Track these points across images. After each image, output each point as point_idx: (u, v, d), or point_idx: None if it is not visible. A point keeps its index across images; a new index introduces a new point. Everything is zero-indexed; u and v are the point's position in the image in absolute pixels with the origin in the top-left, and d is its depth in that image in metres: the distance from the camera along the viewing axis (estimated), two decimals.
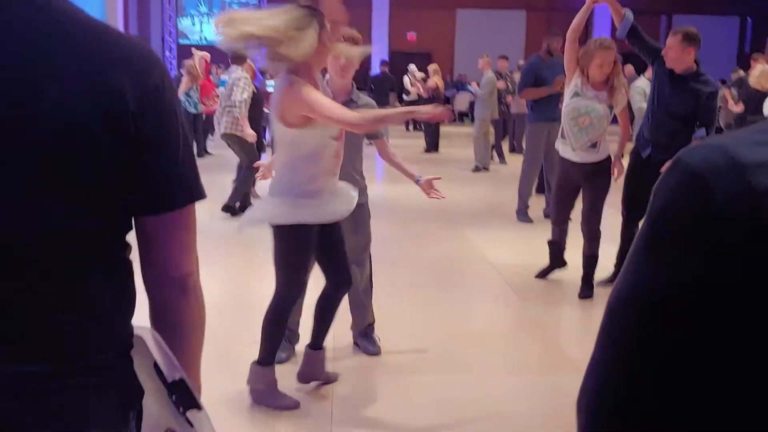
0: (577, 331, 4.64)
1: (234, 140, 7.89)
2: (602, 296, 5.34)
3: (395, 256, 6.35)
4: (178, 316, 1.23)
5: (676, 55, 5.05)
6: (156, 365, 1.21)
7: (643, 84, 8.34)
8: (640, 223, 0.92)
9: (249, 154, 7.84)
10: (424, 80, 15.43)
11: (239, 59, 8.03)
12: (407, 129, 19.83)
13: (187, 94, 11.75)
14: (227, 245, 6.71)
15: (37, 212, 1.04)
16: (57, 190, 1.05)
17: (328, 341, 3.81)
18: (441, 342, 4.39)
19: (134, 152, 1.09)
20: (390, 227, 7.65)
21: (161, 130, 1.12)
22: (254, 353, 3.47)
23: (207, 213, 7.81)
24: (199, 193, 1.20)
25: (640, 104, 8.12)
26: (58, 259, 1.08)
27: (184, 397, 1.21)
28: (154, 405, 1.23)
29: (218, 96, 12.02)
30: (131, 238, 1.20)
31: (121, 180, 1.10)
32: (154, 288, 1.21)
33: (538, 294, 5.42)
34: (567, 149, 5.17)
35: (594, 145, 5.09)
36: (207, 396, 1.29)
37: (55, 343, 1.09)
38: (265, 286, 5.17)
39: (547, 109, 7.64)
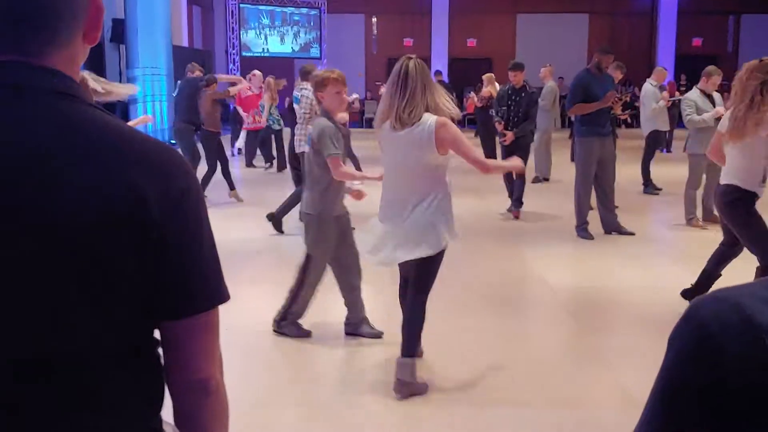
0: (636, 364, 4.42)
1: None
2: (667, 325, 5.12)
3: (446, 276, 6.19)
4: (201, 419, 1.23)
5: None
6: None
7: (693, 96, 8.02)
8: None
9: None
10: (477, 91, 15.23)
11: (305, 74, 7.96)
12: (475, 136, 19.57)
13: (269, 111, 12.26)
14: (287, 265, 6.68)
15: (60, 321, 1.06)
16: (76, 297, 1.05)
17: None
18: (491, 371, 4.25)
19: (156, 258, 1.09)
20: None
21: (185, 237, 1.12)
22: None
23: (271, 231, 7.82)
24: (221, 297, 1.19)
25: (692, 116, 7.83)
26: (84, 365, 1.09)
27: None
28: None
29: (258, 113, 12.41)
30: None
31: (142, 285, 1.10)
32: (177, 391, 1.21)
33: (596, 321, 5.22)
34: None
35: None
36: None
37: None
38: (324, 310, 5.11)
39: (597, 123, 7.43)
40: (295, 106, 8.14)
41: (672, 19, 25.19)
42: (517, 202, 8.75)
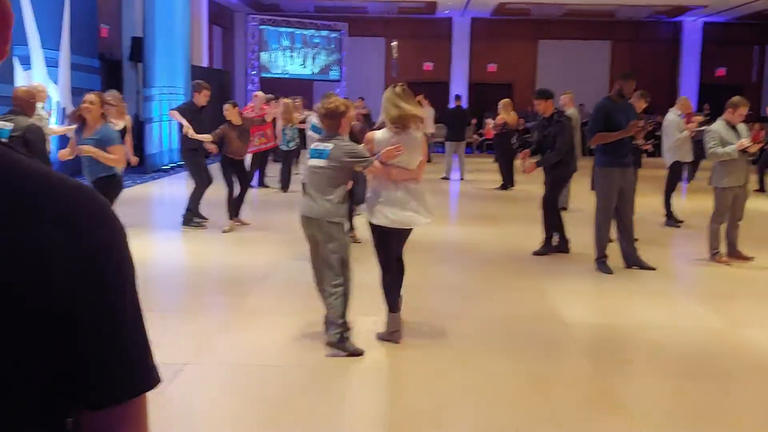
0: (657, 410, 4.15)
1: None
2: (689, 369, 4.84)
3: (458, 310, 5.97)
4: None
5: None
6: None
7: (718, 127, 7.74)
8: None
9: None
10: (493, 118, 15.04)
11: None
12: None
13: (283, 131, 12.06)
14: (293, 293, 6.47)
15: None
16: None
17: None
18: (505, 415, 3.99)
19: (65, 333, 0.86)
20: (456, 274, 7.30)
21: (100, 307, 0.89)
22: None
23: (276, 256, 7.61)
24: (149, 382, 0.95)
25: (714, 149, 7.55)
26: None
27: None
28: None
29: (265, 135, 12.25)
30: None
31: (49, 367, 0.86)
32: None
33: (615, 362, 4.95)
34: None
35: None
36: None
37: None
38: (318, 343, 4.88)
39: (619, 153, 7.16)
40: (310, 133, 7.81)
41: (696, 49, 24.95)
42: (547, 240, 8.21)
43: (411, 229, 5.08)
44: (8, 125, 5.87)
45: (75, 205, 0.88)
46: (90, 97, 6.32)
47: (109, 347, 0.90)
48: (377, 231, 5.02)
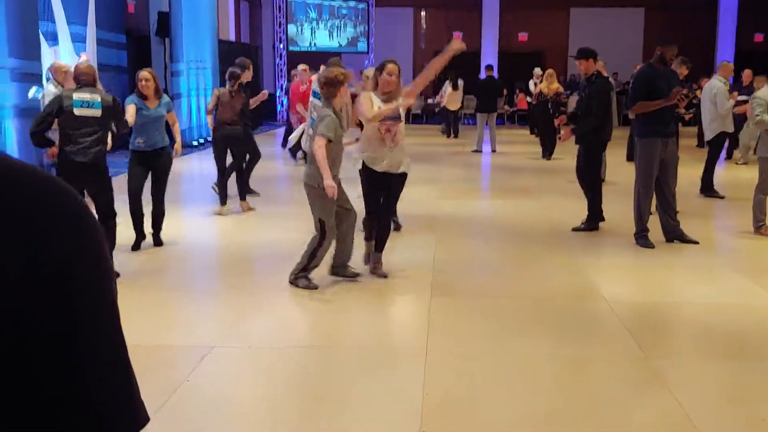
0: (702, 390, 3.94)
1: None
2: (735, 347, 4.62)
3: (492, 288, 5.78)
4: None
5: None
6: None
7: (765, 94, 7.41)
8: None
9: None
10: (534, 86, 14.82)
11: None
12: (531, 133, 18.80)
13: None
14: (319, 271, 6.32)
15: None
16: None
17: None
18: (544, 400, 3.82)
19: (18, 365, 0.66)
20: (488, 250, 7.09)
21: (61, 333, 0.68)
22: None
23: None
24: (133, 424, 0.74)
25: (762, 116, 7.24)
26: None
27: None
28: None
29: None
30: None
31: (6, 413, 0.67)
32: None
33: (658, 341, 4.74)
34: None
35: None
36: None
37: None
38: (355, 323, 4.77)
39: (661, 122, 6.86)
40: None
41: (732, 14, 24.25)
42: (590, 217, 7.84)
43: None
44: (96, 98, 6.01)
45: (29, 205, 0.68)
46: (144, 74, 6.92)
47: (76, 387, 0.70)
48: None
